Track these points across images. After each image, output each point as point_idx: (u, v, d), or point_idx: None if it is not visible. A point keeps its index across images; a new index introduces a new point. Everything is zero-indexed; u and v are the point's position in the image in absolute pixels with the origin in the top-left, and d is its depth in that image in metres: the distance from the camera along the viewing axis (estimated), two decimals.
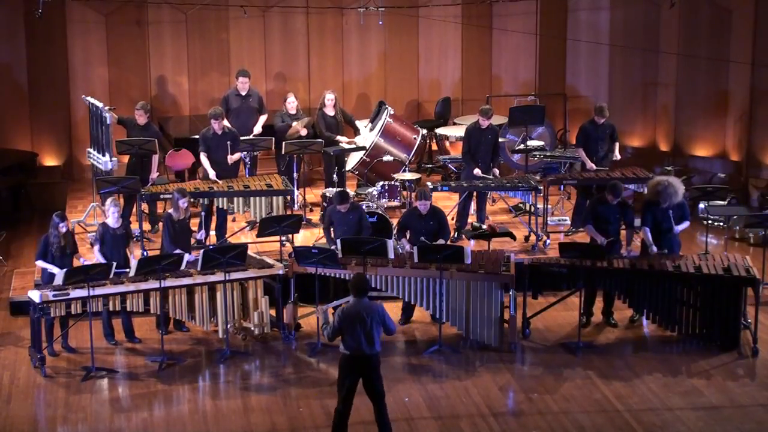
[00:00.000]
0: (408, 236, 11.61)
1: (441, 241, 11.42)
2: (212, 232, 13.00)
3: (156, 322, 11.22)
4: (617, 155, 13.60)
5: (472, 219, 13.50)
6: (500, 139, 15.01)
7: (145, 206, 13.29)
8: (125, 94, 15.91)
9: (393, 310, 11.86)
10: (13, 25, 15.68)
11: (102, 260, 10.95)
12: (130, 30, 16.08)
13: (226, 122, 14.02)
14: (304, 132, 14.16)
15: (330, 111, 14.36)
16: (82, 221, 13.83)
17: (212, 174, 12.95)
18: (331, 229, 11.76)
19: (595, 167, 13.42)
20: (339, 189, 12.56)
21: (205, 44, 16.34)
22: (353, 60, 16.83)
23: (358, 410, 9.26)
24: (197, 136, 13.34)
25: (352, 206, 11.71)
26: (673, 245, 11.52)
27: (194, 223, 12.04)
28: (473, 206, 13.61)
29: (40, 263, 11.07)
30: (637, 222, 11.82)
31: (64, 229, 10.98)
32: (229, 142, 13.04)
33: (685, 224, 11.59)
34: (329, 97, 14.33)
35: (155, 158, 13.38)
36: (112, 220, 11.18)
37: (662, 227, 11.43)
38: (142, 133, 13.37)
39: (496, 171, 13.34)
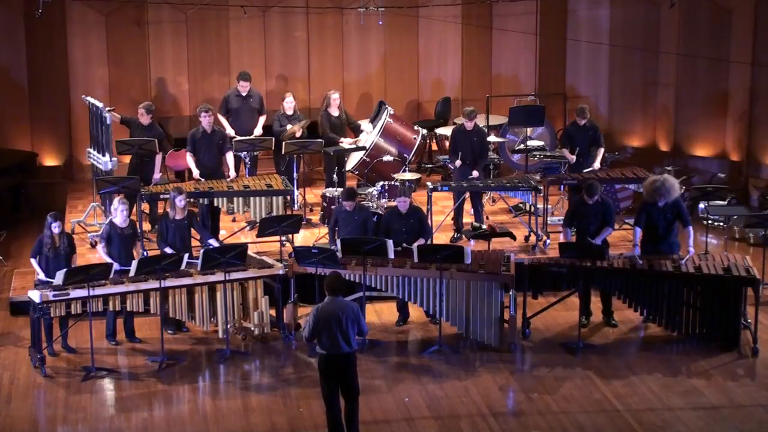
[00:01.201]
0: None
1: (421, 241, 11.41)
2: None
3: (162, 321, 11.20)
4: (596, 164, 13.48)
5: (471, 219, 13.49)
6: (500, 139, 15.04)
7: (145, 206, 13.28)
8: (125, 94, 15.90)
9: (391, 310, 11.89)
10: (13, 25, 15.67)
11: (108, 259, 10.95)
12: (130, 30, 16.05)
13: (225, 122, 14.02)
14: (299, 133, 14.13)
15: (335, 111, 14.30)
16: (82, 221, 13.82)
17: (196, 173, 12.91)
18: (336, 229, 11.73)
19: (574, 159, 13.42)
20: (347, 186, 12.51)
21: (205, 44, 16.32)
22: (353, 60, 16.82)
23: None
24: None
25: (358, 207, 11.69)
26: (672, 248, 11.50)
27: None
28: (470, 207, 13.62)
29: (33, 261, 11.10)
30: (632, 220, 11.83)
31: (57, 230, 10.93)
32: (219, 142, 13.03)
33: (689, 231, 11.50)
34: (334, 97, 14.25)
35: (158, 158, 13.36)
36: (120, 219, 11.17)
37: (658, 228, 11.41)
38: (146, 134, 13.34)
39: (476, 173, 13.25)
